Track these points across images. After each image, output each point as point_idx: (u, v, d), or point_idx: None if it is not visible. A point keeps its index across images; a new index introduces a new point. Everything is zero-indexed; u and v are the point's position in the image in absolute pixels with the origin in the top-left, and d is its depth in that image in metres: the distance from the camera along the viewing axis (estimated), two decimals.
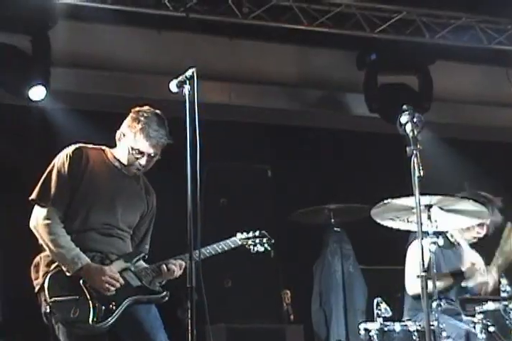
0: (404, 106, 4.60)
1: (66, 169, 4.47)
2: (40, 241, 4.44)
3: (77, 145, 4.59)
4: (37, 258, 4.49)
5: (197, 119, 3.95)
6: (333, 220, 6.99)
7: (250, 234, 4.93)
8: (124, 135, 4.57)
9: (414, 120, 4.52)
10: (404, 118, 4.55)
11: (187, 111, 3.98)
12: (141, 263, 4.65)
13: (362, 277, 7.26)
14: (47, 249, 4.41)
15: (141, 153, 4.51)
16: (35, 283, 4.44)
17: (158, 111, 4.60)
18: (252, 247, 4.92)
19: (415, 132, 4.48)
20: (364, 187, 7.69)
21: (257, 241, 4.93)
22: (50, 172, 4.50)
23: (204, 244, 4.57)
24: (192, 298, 3.80)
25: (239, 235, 4.90)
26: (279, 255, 7.20)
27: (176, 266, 4.52)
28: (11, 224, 4.72)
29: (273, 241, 4.98)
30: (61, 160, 4.51)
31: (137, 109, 4.60)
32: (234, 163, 7.59)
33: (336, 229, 7.08)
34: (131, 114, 4.59)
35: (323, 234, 7.28)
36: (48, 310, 4.28)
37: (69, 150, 4.55)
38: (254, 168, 7.72)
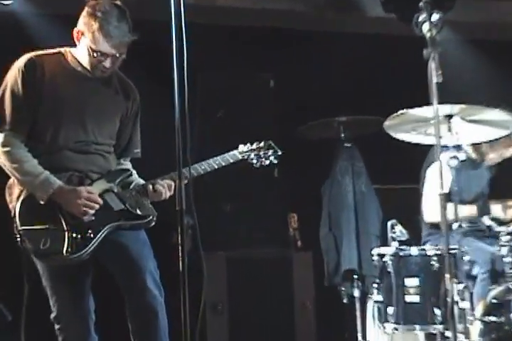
0: (421, 4, 4.55)
1: (20, 86, 4.36)
2: (6, 171, 4.39)
3: (29, 56, 4.44)
4: (11, 179, 4.45)
5: (183, 19, 3.81)
6: (343, 135, 6.98)
7: (254, 146, 4.82)
8: (82, 34, 4.40)
9: (432, 19, 4.48)
10: (420, 17, 4.51)
11: (172, 12, 3.84)
12: (135, 179, 4.61)
13: (376, 197, 7.25)
14: (13, 178, 4.38)
15: (104, 54, 4.37)
16: (10, 206, 4.42)
17: (118, 1, 4.43)
18: (254, 161, 4.81)
19: (433, 32, 4.44)
20: (378, 97, 7.64)
21: (262, 153, 4.82)
22: (3, 92, 4.40)
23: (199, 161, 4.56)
24: (182, 222, 3.69)
25: (241, 147, 4.79)
26: (283, 174, 7.22)
27: (164, 187, 4.45)
28: None
29: (279, 153, 4.87)
30: (13, 77, 4.39)
31: (92, 2, 4.40)
32: (232, 71, 7.53)
33: (346, 144, 7.07)
34: (86, 9, 4.39)
35: (332, 151, 7.26)
36: (19, 240, 4.26)
37: (19, 63, 4.42)
38: (255, 77, 7.64)
